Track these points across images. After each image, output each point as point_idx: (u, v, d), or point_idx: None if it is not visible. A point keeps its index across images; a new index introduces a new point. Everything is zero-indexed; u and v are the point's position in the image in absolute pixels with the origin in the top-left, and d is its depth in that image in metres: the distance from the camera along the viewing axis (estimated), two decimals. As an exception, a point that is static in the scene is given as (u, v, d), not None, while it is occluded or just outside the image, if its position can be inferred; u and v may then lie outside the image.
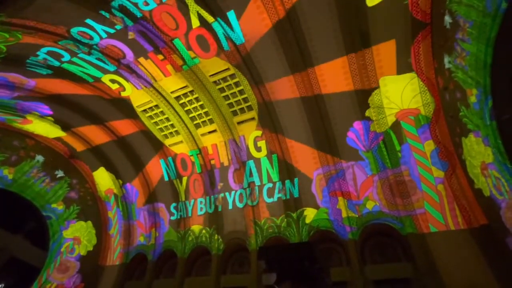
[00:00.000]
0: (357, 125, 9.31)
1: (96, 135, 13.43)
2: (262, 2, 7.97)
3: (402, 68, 8.19)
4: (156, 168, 13.49)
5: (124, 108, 12.00)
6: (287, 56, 8.98)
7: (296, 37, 8.48)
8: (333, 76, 9.01)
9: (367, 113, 9.00)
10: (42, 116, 12.63)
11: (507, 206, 5.77)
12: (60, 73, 10.51)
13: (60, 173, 14.50)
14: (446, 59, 6.80)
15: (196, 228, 12.42)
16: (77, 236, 14.25)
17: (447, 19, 6.01)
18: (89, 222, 14.66)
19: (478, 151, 6.29)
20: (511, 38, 4.93)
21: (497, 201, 6.06)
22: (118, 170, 14.42)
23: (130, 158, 13.80)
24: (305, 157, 10.36)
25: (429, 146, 8.24)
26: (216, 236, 11.64)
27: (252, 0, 7.96)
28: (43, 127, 13.27)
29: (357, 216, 9.13)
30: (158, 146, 12.94)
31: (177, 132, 12.26)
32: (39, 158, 14.05)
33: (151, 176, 13.80)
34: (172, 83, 10.81)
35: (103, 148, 13.94)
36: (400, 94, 8.47)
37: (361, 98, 8.95)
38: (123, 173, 14.36)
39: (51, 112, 12.42)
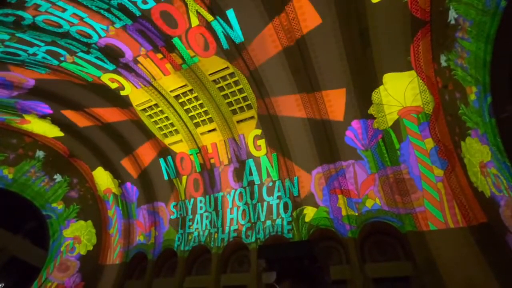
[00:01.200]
0: (356, 124, 9.32)
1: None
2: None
3: (402, 66, 8.18)
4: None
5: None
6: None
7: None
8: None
9: (370, 111, 8.98)
10: (41, 117, 12.61)
11: (506, 204, 5.78)
12: (59, 72, 10.51)
13: (58, 177, 14.48)
14: (443, 58, 6.79)
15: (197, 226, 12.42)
16: (77, 235, 14.27)
17: (452, 13, 5.92)
18: (89, 222, 14.67)
19: (477, 149, 6.29)
20: (511, 36, 4.92)
21: (496, 198, 6.07)
22: (115, 168, 14.41)
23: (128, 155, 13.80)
24: (304, 155, 10.36)
25: (429, 144, 8.24)
26: (216, 235, 11.65)
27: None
28: (41, 127, 13.26)
29: (356, 214, 9.14)
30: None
31: (176, 131, 12.25)
32: (40, 153, 14.03)
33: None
34: (171, 82, 10.79)
35: (100, 146, 13.93)
36: (403, 91, 8.46)
37: (363, 96, 8.95)
38: (121, 171, 14.36)
39: (51, 111, 12.40)
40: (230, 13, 8.25)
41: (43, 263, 13.43)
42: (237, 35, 8.75)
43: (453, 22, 5.99)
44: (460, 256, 7.08)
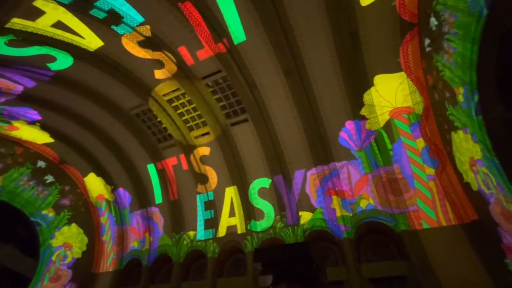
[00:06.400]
0: (349, 124, 9.42)
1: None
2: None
3: (392, 68, 8.33)
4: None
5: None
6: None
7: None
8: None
9: (362, 112, 9.10)
10: (30, 123, 12.36)
11: (495, 202, 5.91)
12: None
13: (50, 178, 14.19)
14: (431, 59, 6.93)
15: (191, 232, 12.30)
16: (68, 242, 13.94)
17: (433, 20, 6.14)
18: (77, 227, 14.30)
19: (466, 147, 6.43)
20: (496, 36, 5.07)
21: (486, 196, 6.20)
22: (109, 174, 14.20)
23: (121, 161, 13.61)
24: (298, 157, 10.40)
25: (420, 144, 8.38)
26: (211, 240, 11.56)
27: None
28: (30, 133, 12.99)
29: (351, 215, 9.20)
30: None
31: (170, 136, 12.16)
32: (41, 164, 13.99)
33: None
34: (164, 86, 10.73)
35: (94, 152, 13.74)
36: (393, 92, 8.59)
37: (354, 96, 9.06)
38: (114, 177, 14.16)
39: (39, 118, 12.17)
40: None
41: (33, 273, 13.06)
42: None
43: (434, 28, 6.19)
44: (453, 253, 7.18)
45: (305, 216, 10.02)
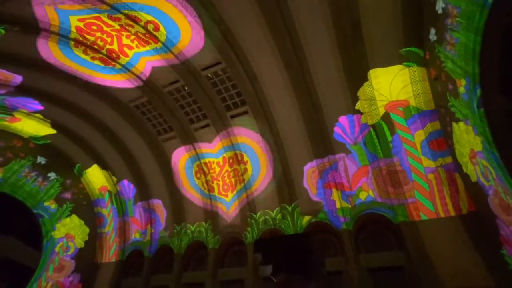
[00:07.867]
0: (343, 120, 9.40)
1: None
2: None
3: (393, 60, 8.22)
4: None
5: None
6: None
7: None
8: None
9: (357, 106, 9.06)
10: (31, 113, 12.32)
11: (494, 194, 5.94)
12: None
13: (52, 176, 14.27)
14: (434, 49, 6.84)
15: (192, 223, 12.43)
16: (70, 233, 14.12)
17: (440, 3, 5.97)
18: (79, 219, 14.45)
19: (467, 139, 6.42)
20: (500, 26, 4.98)
21: (484, 188, 6.23)
22: (110, 166, 14.25)
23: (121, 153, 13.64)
24: (298, 150, 10.40)
25: (420, 136, 8.36)
26: (212, 231, 11.69)
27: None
28: (31, 125, 12.96)
29: (350, 206, 9.27)
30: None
31: (170, 128, 12.14)
32: (41, 160, 13.97)
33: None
34: (164, 78, 10.64)
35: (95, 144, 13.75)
36: (394, 85, 8.50)
37: (355, 89, 8.98)
38: (116, 169, 14.21)
39: (41, 108, 12.11)
40: None
41: (37, 264, 13.28)
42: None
43: (440, 11, 6.01)
44: (450, 244, 7.27)
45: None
